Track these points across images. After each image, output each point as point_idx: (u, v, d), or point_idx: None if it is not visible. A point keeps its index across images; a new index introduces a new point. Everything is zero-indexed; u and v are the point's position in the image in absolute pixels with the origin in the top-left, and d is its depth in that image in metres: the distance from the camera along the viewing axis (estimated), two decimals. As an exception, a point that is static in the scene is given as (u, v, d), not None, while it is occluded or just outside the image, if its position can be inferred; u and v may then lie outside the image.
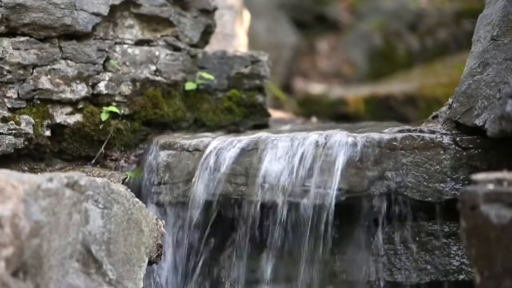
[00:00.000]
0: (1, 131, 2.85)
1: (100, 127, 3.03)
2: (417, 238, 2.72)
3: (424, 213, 2.71)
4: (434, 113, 2.94)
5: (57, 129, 3.00)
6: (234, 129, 3.28)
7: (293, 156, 2.72)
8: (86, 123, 3.02)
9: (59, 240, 2.14)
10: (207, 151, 2.80)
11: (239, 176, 2.76)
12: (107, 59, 3.07)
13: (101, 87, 3.05)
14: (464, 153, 2.70)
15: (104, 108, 3.04)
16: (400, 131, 2.76)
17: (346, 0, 7.78)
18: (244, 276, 2.77)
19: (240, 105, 3.29)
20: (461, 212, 2.04)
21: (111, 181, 2.41)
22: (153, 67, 3.15)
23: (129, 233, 2.35)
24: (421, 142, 2.70)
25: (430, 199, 2.69)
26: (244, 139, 2.81)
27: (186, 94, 3.24)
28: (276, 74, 5.72)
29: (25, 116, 2.90)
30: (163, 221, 2.57)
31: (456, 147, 2.70)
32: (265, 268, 2.75)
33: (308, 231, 2.69)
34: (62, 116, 2.99)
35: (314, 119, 4.18)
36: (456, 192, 2.65)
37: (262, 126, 3.31)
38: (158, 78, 3.16)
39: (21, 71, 2.90)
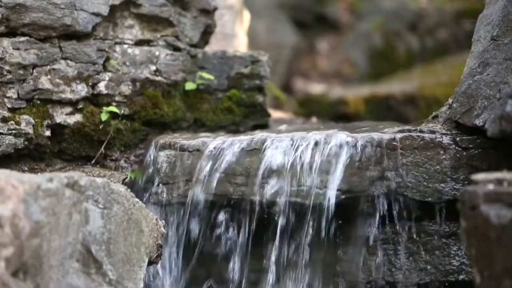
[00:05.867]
0: (1, 131, 2.85)
1: (100, 127, 3.03)
2: (417, 238, 2.72)
3: (424, 213, 2.71)
4: (434, 113, 2.94)
5: (57, 129, 3.00)
6: (234, 129, 3.28)
7: (293, 156, 2.72)
8: (86, 123, 3.02)
9: (59, 240, 2.14)
10: (207, 151, 2.80)
11: (239, 176, 2.76)
12: (107, 59, 3.07)
13: (101, 87, 3.05)
14: (464, 153, 2.70)
15: (104, 108, 3.04)
16: (400, 131, 2.76)
17: (346, 0, 7.78)
18: (244, 276, 2.77)
19: (240, 105, 3.29)
20: (461, 212, 2.04)
21: (111, 181, 2.41)
22: (153, 67, 3.15)
23: (129, 233, 2.35)
24: (421, 142, 2.70)
25: (430, 199, 2.69)
26: (244, 139, 2.81)
27: (186, 94, 3.24)
28: (276, 74, 5.72)
29: (25, 116, 2.90)
30: (163, 221, 2.57)
31: (456, 147, 2.70)
32: (265, 268, 2.75)
33: (308, 231, 2.69)
34: (62, 116, 2.99)
35: (314, 119, 4.18)
36: (456, 192, 2.65)
37: (262, 126, 3.31)
38: (158, 78, 3.16)
39: (21, 71, 2.90)
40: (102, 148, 3.05)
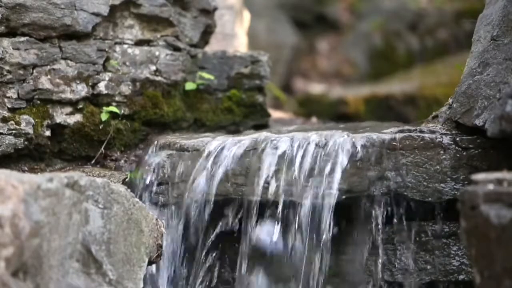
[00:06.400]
0: (1, 131, 2.85)
1: (100, 127, 3.03)
2: (417, 238, 2.72)
3: (424, 213, 2.71)
4: (434, 113, 2.94)
5: (57, 129, 3.00)
6: (234, 129, 3.28)
7: (293, 156, 2.72)
8: (86, 123, 3.02)
9: (59, 240, 2.14)
10: (207, 151, 2.80)
11: (239, 176, 2.76)
12: (107, 59, 3.07)
13: (101, 87, 3.05)
14: (464, 153, 2.70)
15: (104, 108, 3.04)
16: (400, 131, 2.76)
17: (346, 0, 7.78)
18: (244, 276, 2.77)
19: (240, 105, 3.29)
20: (461, 212, 2.04)
21: (111, 181, 2.41)
22: (153, 67, 3.15)
23: (129, 233, 2.35)
24: (421, 142, 2.71)
25: (430, 199, 2.69)
26: (244, 139, 2.81)
27: (186, 94, 3.24)
28: (276, 74, 5.72)
29: (25, 116, 2.90)
30: (163, 221, 2.57)
31: (456, 147, 2.70)
32: (265, 268, 2.75)
33: (308, 231, 2.69)
34: (62, 116, 2.99)
35: (314, 119, 4.17)
36: (456, 192, 2.65)
37: (262, 126, 3.31)
38: (158, 78, 3.16)
39: (21, 71, 2.90)
40: (102, 148, 3.05)
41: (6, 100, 2.89)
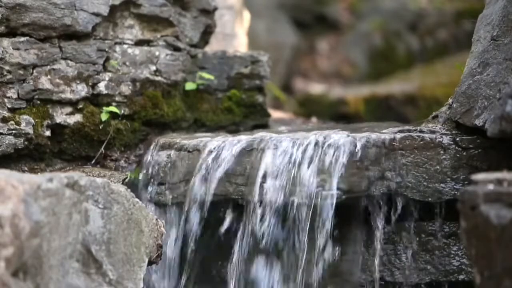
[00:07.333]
0: (1, 131, 2.85)
1: (100, 127, 3.03)
2: (417, 238, 2.72)
3: (424, 213, 2.71)
4: (434, 113, 2.94)
5: (57, 129, 3.00)
6: (234, 129, 3.28)
7: (293, 156, 2.72)
8: (86, 123, 3.02)
9: (59, 240, 2.14)
10: (207, 151, 2.80)
11: (239, 176, 2.76)
12: (107, 59, 3.07)
13: (101, 87, 3.05)
14: (464, 153, 2.70)
15: (104, 108, 3.04)
16: (400, 131, 2.76)
17: (346, 0, 7.78)
18: (243, 276, 2.77)
19: (240, 105, 3.29)
20: (461, 212, 2.04)
21: (111, 181, 2.41)
22: (153, 67, 3.15)
23: (129, 233, 2.35)
24: (421, 142, 2.70)
25: (430, 199, 2.69)
26: (244, 139, 2.81)
27: (186, 94, 3.24)
28: (276, 74, 5.72)
29: (25, 116, 2.90)
30: (163, 221, 2.57)
31: (456, 147, 2.70)
32: (264, 268, 2.75)
33: (308, 231, 2.69)
34: (62, 116, 2.99)
35: (314, 119, 4.18)
36: (456, 192, 2.65)
37: (262, 126, 3.31)
38: (158, 78, 3.16)
39: (21, 71, 2.90)
40: (102, 148, 3.05)
41: (6, 100, 2.89)
